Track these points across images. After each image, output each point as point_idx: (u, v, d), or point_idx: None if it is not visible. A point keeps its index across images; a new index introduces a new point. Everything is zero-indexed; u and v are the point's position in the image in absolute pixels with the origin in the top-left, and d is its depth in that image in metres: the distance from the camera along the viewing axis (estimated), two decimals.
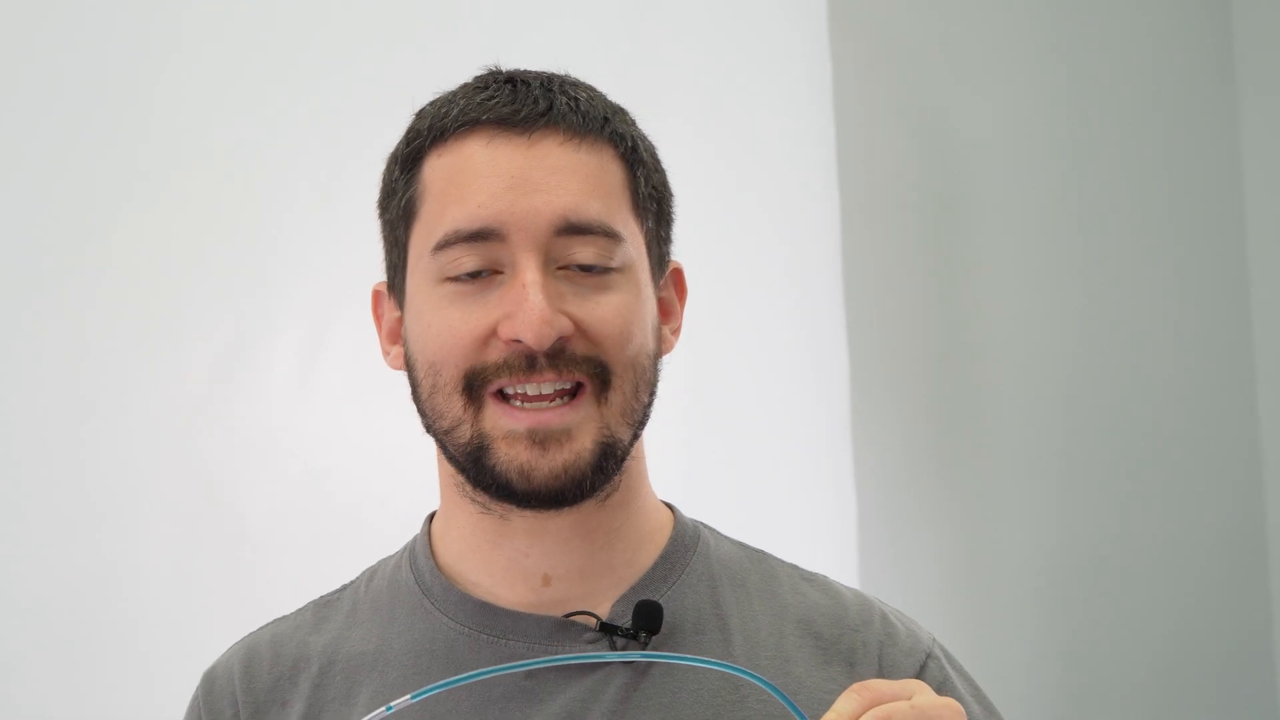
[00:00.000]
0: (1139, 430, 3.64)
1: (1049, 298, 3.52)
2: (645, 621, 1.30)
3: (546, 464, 1.25)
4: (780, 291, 2.96)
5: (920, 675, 1.35)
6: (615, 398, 1.28)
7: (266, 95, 3.00)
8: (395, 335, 1.37)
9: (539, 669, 1.29)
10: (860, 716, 1.06)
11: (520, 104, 1.28)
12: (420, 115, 1.35)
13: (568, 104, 1.30)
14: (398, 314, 1.36)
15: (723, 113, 2.98)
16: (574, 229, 1.26)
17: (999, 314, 3.44)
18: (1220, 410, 3.87)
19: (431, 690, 1.14)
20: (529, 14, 3.05)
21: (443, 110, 1.32)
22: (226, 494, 2.75)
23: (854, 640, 1.38)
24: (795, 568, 1.45)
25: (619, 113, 1.35)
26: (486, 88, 1.31)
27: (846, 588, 1.45)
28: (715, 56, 3.05)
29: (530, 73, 1.34)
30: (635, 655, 1.20)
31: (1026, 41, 3.57)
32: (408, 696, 1.12)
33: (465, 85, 1.34)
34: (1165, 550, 3.61)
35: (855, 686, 1.08)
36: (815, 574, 1.46)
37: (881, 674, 1.34)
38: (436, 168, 1.31)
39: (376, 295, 1.42)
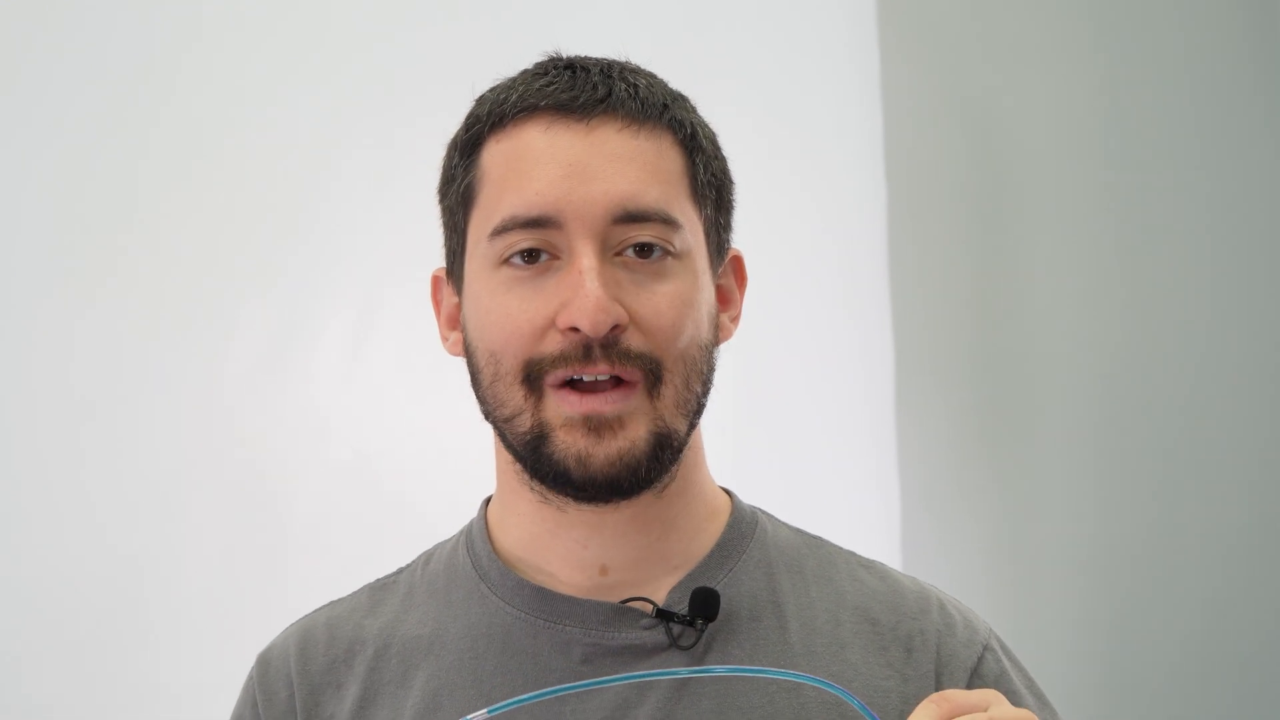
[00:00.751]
0: (1180, 421, 3.62)
1: (1093, 288, 3.50)
2: (702, 608, 1.30)
3: (602, 451, 1.25)
4: (827, 281, 2.97)
5: (978, 667, 1.36)
6: (667, 391, 1.28)
7: (317, 78, 2.97)
8: (454, 321, 1.37)
9: (595, 656, 1.32)
10: None
11: (579, 90, 1.28)
12: (480, 101, 1.34)
13: (626, 90, 1.29)
14: (456, 300, 1.36)
15: (771, 103, 2.97)
16: (631, 216, 1.25)
17: (1043, 305, 3.43)
18: (1261, 403, 3.82)
19: (529, 699, 1.15)
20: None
21: (502, 96, 1.31)
22: (273, 480, 2.72)
23: (911, 628, 1.37)
24: (853, 554, 1.45)
25: (678, 99, 1.35)
26: (546, 74, 1.31)
27: (905, 575, 1.45)
28: (764, 46, 3.04)
29: (590, 59, 1.34)
30: (699, 670, 1.24)
31: (1072, 31, 3.56)
32: (508, 702, 1.13)
33: (525, 71, 1.34)
34: (1205, 541, 3.58)
35: (934, 697, 1.07)
36: (873, 561, 1.45)
37: (939, 663, 1.35)
38: (495, 154, 1.30)
39: (436, 281, 1.41)
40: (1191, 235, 3.69)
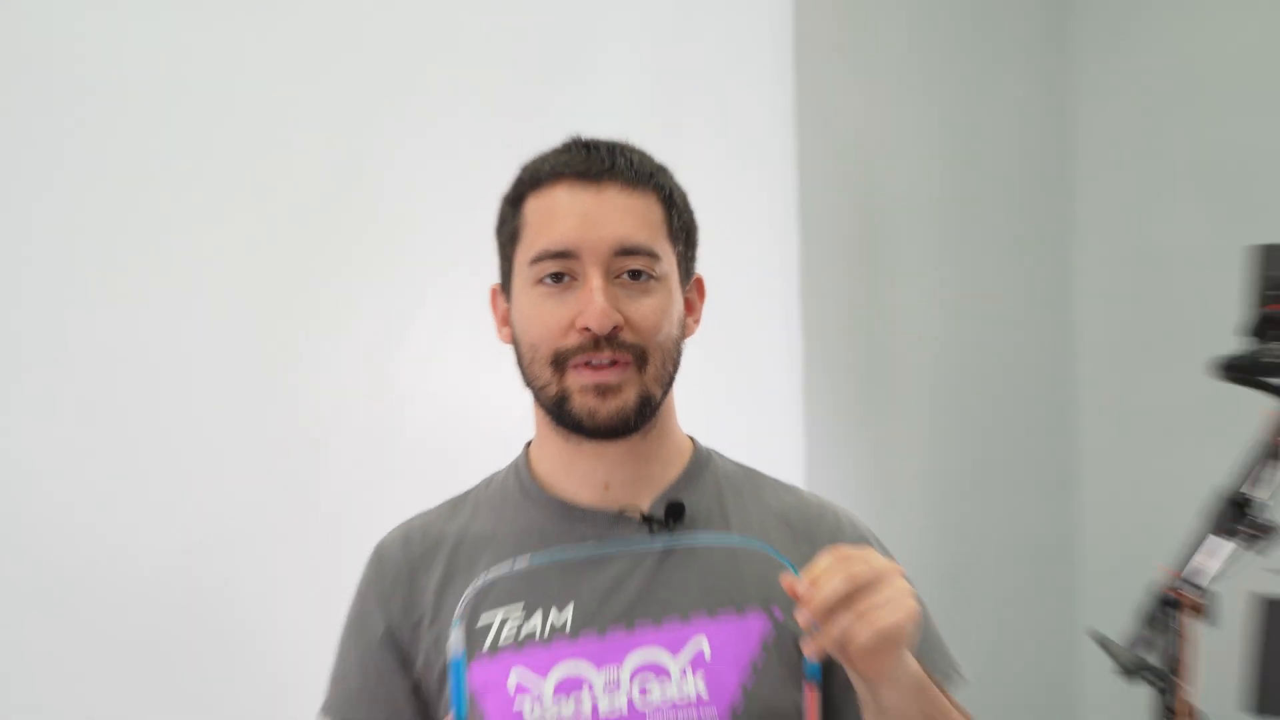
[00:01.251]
0: (991, 389, 3.63)
1: (934, 295, 3.50)
2: (673, 514, 1.34)
3: (605, 408, 1.29)
4: (757, 292, 2.92)
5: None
6: (650, 369, 1.31)
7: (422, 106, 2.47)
8: (505, 320, 1.39)
9: (605, 542, 1.34)
10: (829, 568, 1.07)
11: (592, 162, 1.31)
12: (524, 169, 1.37)
13: (625, 162, 1.32)
14: (506, 305, 1.38)
15: (711, 173, 2.55)
16: (627, 251, 1.29)
17: (901, 307, 3.42)
18: (1044, 377, 3.84)
19: (540, 562, 1.27)
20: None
21: (537, 165, 1.35)
22: (389, 431, 2.37)
23: (814, 528, 1.39)
24: (776, 480, 1.47)
25: (662, 170, 1.37)
26: (569, 150, 1.34)
27: (810, 494, 1.46)
28: (704, 120, 2.87)
29: (600, 140, 1.36)
30: (668, 541, 1.26)
31: (929, 114, 3.52)
32: (524, 559, 1.23)
33: (554, 149, 1.36)
34: (1009, 468, 3.62)
35: (829, 550, 1.09)
36: (791, 485, 1.47)
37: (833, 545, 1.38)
38: (533, 207, 1.33)
39: (493, 292, 1.42)
40: (1000, 266, 3.69)
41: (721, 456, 1.46)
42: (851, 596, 1.06)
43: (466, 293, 2.08)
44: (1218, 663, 2.27)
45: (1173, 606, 1.78)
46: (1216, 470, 1.94)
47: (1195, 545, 1.73)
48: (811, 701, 1.15)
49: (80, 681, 2.06)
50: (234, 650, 2.18)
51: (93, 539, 2.09)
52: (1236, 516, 1.65)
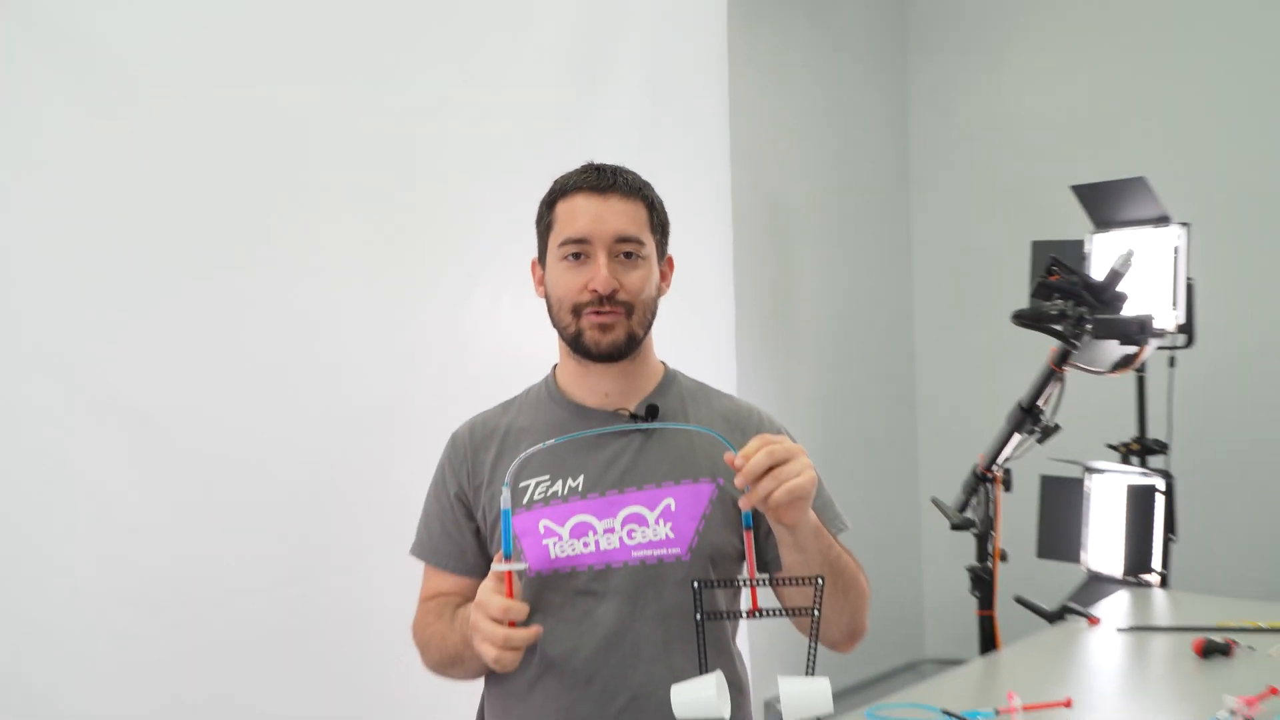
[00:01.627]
0: (853, 338, 3.70)
1: (823, 271, 3.56)
2: (650, 413, 1.40)
3: (605, 340, 1.37)
4: (705, 264, 2.84)
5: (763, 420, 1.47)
6: (635, 317, 1.39)
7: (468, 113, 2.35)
8: (540, 281, 1.45)
9: (603, 434, 1.41)
10: (756, 449, 1.13)
11: (601, 180, 1.37)
12: (556, 183, 1.42)
13: (623, 181, 1.39)
14: (541, 272, 1.45)
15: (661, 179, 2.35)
16: (623, 239, 1.37)
17: (798, 282, 3.49)
18: (893, 332, 3.91)
19: (561, 440, 1.28)
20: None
21: (564, 181, 1.40)
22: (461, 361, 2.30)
23: (746, 422, 1.46)
24: (720, 391, 1.53)
25: (648, 186, 1.42)
26: (587, 171, 1.39)
27: (743, 400, 1.53)
28: (648, 129, 2.70)
29: (607, 165, 1.41)
30: (649, 425, 1.34)
31: (815, 146, 3.59)
32: (551, 441, 1.25)
33: (578, 170, 1.41)
34: (867, 390, 3.66)
35: (757, 437, 1.14)
36: (730, 394, 1.54)
37: (757, 433, 1.41)
38: (561, 209, 1.39)
39: (533, 264, 1.47)
40: (862, 250, 3.72)
41: (684, 375, 1.51)
42: (772, 468, 1.12)
43: (513, 268, 2.00)
44: (1019, 522, 2.37)
45: (986, 481, 1.84)
46: (1015, 391, 1.97)
47: (1001, 440, 1.78)
48: (748, 540, 1.19)
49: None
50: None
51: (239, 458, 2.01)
52: (1030, 420, 1.71)
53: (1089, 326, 1.50)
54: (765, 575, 1.22)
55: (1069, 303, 1.51)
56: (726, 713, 1.06)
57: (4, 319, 1.78)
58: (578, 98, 2.55)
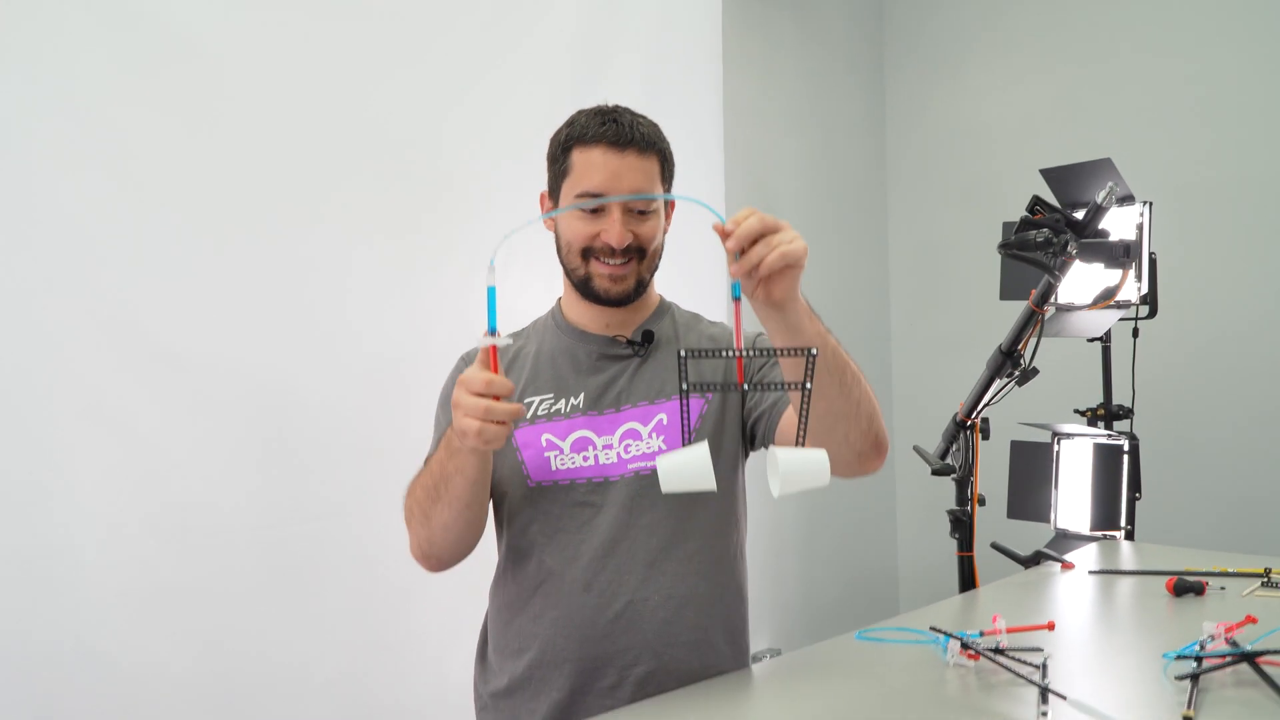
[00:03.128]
0: (835, 319, 3.64)
1: (807, 273, 3.50)
2: (646, 339, 1.38)
3: (616, 289, 1.33)
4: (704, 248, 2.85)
5: (756, 338, 1.37)
6: (645, 263, 1.34)
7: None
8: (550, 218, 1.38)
9: (601, 356, 1.37)
10: (746, 215, 1.02)
11: (620, 136, 1.28)
12: (572, 124, 1.32)
13: (640, 135, 1.29)
14: (550, 205, 1.37)
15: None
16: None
17: None
18: (870, 313, 3.88)
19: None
20: None
21: (584, 127, 1.30)
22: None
23: (731, 341, 1.40)
24: (711, 320, 1.48)
25: (662, 138, 1.34)
26: (605, 123, 1.29)
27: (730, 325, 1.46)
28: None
29: (624, 113, 1.32)
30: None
31: (802, 143, 3.55)
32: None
33: (596, 113, 1.32)
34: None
35: (747, 208, 1.03)
36: (718, 321, 1.48)
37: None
38: (579, 158, 1.30)
39: (542, 196, 1.40)
40: (843, 241, 3.70)
41: (678, 307, 1.48)
42: (763, 234, 1.02)
43: (521, 245, 2.07)
44: (991, 485, 2.32)
45: (966, 429, 1.80)
46: (984, 351, 1.93)
47: (982, 387, 1.74)
48: (736, 310, 1.05)
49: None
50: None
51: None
52: (1009, 363, 1.66)
53: (1073, 250, 1.44)
54: (753, 348, 1.07)
55: (1054, 223, 1.45)
56: (713, 484, 0.97)
57: (43, 260, 1.82)
58: (581, 93, 2.50)
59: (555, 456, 1.32)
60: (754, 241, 1.01)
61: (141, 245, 1.93)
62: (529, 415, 1.34)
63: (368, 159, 2.24)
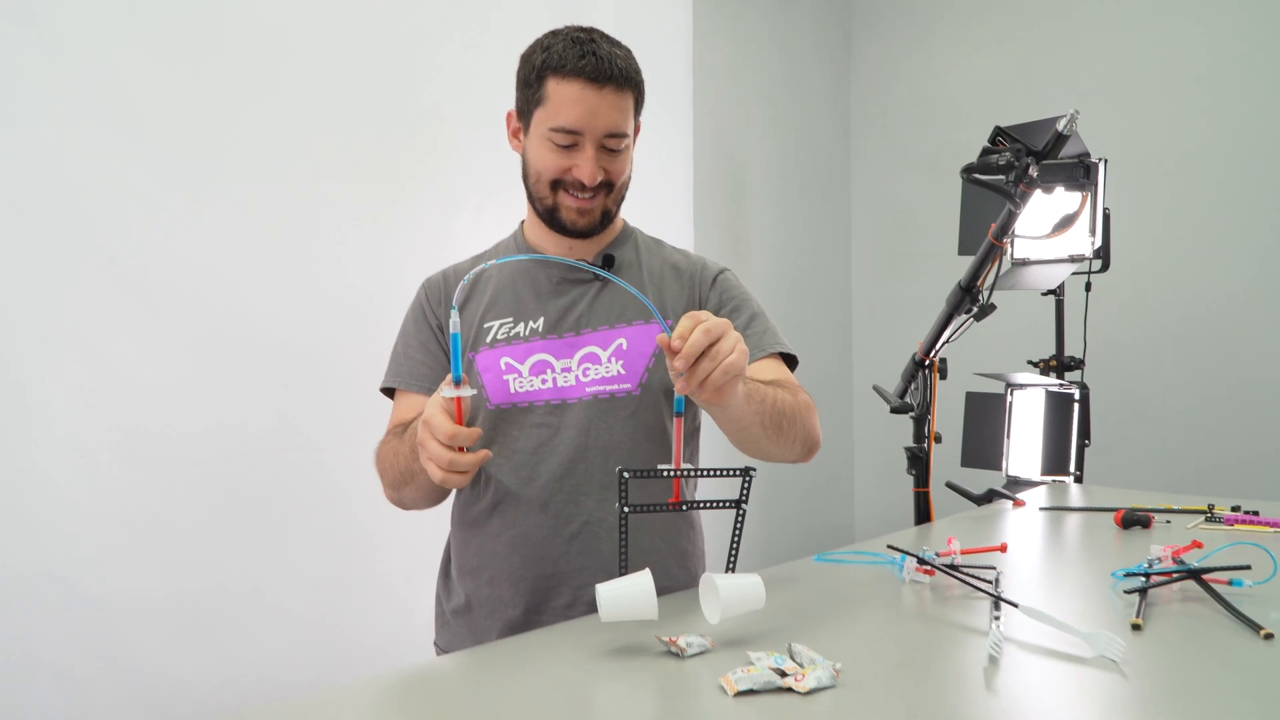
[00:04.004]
0: (799, 280, 3.60)
1: (769, 225, 3.48)
2: (607, 262, 1.32)
3: (583, 221, 1.28)
4: (670, 214, 2.83)
5: (716, 278, 1.36)
6: (613, 195, 1.28)
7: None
8: (515, 135, 1.31)
9: (563, 280, 1.32)
10: (690, 329, 0.96)
11: (600, 71, 1.19)
12: (548, 50, 1.22)
13: (619, 70, 1.21)
14: (518, 125, 1.29)
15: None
16: (612, 134, 1.23)
17: (752, 230, 3.39)
18: (832, 273, 3.85)
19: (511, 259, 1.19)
20: None
21: (560, 56, 1.21)
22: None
23: (693, 270, 1.36)
24: (674, 246, 1.44)
25: (637, 70, 1.25)
26: (584, 55, 1.20)
27: (693, 253, 1.42)
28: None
29: (600, 43, 1.22)
30: (606, 275, 1.17)
31: (769, 110, 3.51)
32: (496, 260, 1.12)
33: (573, 40, 1.22)
34: (813, 321, 3.59)
35: (688, 314, 0.98)
36: (682, 248, 1.44)
37: (702, 281, 1.35)
38: (554, 88, 1.21)
39: (509, 115, 1.31)
40: (807, 205, 3.67)
41: (641, 231, 1.42)
42: (708, 348, 0.96)
43: (495, 186, 2.14)
44: (950, 425, 2.34)
45: (924, 368, 1.77)
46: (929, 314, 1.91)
47: (941, 324, 1.70)
48: (678, 428, 1.02)
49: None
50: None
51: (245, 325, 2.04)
52: (968, 299, 1.62)
53: (1034, 173, 1.40)
54: (690, 467, 1.03)
55: (1015, 151, 1.41)
56: (655, 613, 0.95)
57: (11, 186, 1.78)
58: None
59: (514, 380, 1.27)
60: (699, 358, 0.96)
61: (113, 174, 1.88)
62: (489, 339, 1.29)
63: (342, 95, 2.20)
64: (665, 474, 0.98)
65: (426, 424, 1.03)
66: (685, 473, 1.00)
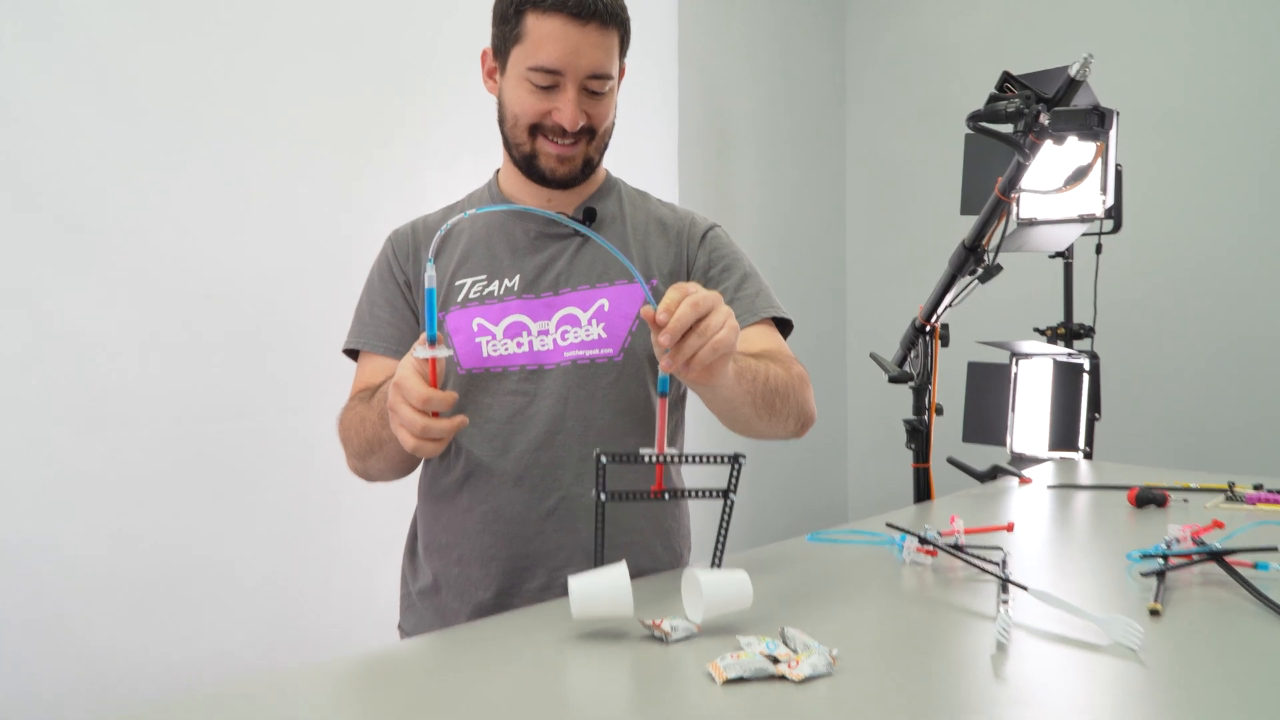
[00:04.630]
0: (790, 242, 3.59)
1: (757, 185, 3.45)
2: (588, 216, 1.29)
3: (562, 169, 1.24)
4: (656, 171, 2.85)
5: (705, 234, 1.32)
6: (595, 142, 1.25)
7: None
8: (491, 75, 1.26)
9: (541, 234, 1.28)
10: (677, 302, 0.92)
11: (583, 5, 1.15)
12: None
13: (603, 5, 1.17)
14: (493, 65, 1.25)
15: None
16: (595, 76, 1.19)
17: (739, 182, 3.35)
18: (826, 236, 3.82)
19: (488, 209, 1.13)
20: None
21: None
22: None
23: (680, 226, 1.33)
24: (660, 200, 1.40)
25: (621, 4, 1.22)
26: None
27: (681, 207, 1.39)
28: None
29: None
30: (586, 231, 1.07)
31: (758, 64, 3.46)
32: (472, 210, 1.05)
33: None
34: (803, 283, 3.58)
35: (675, 285, 0.94)
36: (668, 201, 1.40)
37: (690, 236, 1.31)
38: (533, 24, 1.17)
39: (485, 54, 1.26)
40: (799, 167, 3.65)
41: (625, 183, 1.38)
42: (696, 323, 0.93)
43: (469, 134, 2.14)
44: (951, 397, 2.31)
45: (925, 334, 1.74)
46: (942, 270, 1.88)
47: (943, 286, 1.67)
48: (662, 409, 0.98)
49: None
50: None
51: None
52: (972, 260, 1.59)
53: (1045, 120, 1.36)
54: (675, 452, 0.99)
55: (1025, 98, 1.36)
56: (630, 609, 0.91)
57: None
58: None
59: (487, 342, 1.23)
60: (687, 333, 0.92)
61: (67, 126, 1.85)
62: (460, 299, 1.25)
63: (305, 43, 2.17)
64: (647, 459, 0.94)
65: (398, 387, 0.99)
66: (669, 458, 0.95)
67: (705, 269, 1.29)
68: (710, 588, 0.92)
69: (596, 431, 1.21)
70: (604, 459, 0.91)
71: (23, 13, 1.80)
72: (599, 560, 0.94)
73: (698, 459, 0.96)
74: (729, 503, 0.96)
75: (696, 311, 0.92)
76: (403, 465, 1.23)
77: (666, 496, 0.98)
